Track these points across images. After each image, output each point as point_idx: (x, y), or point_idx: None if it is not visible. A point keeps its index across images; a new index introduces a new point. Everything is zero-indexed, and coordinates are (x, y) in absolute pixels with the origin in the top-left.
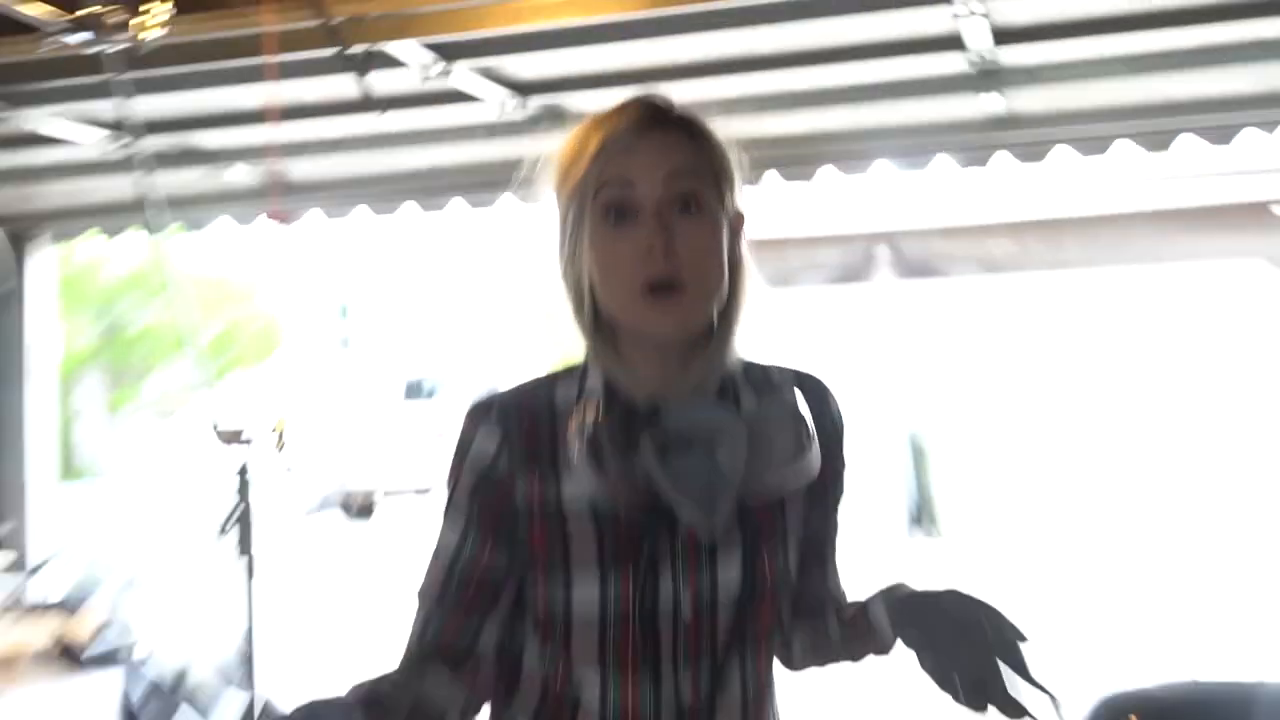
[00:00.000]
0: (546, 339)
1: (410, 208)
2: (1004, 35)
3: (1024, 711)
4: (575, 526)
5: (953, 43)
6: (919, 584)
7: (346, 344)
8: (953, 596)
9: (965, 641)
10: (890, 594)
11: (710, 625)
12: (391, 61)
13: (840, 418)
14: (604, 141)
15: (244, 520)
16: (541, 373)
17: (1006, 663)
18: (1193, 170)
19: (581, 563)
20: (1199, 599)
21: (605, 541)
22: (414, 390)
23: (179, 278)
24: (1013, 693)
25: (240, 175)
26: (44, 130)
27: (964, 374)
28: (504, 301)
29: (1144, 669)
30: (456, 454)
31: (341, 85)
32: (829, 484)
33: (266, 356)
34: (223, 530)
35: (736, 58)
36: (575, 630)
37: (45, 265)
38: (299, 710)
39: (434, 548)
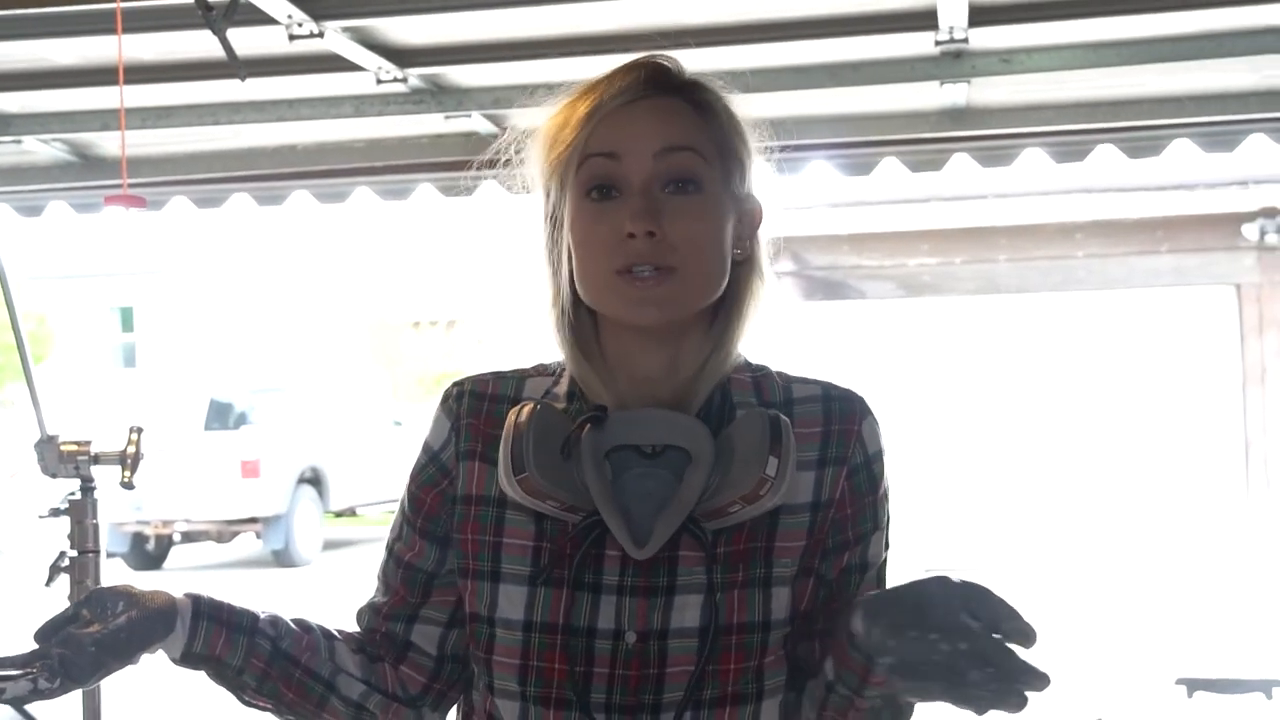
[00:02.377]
0: (379, 350)
1: (242, 199)
2: (980, 12)
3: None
4: (512, 525)
5: (921, 18)
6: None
7: (130, 358)
8: (927, 582)
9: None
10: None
11: (658, 662)
12: (255, 15)
13: (876, 441)
14: (592, 107)
15: (81, 567)
16: (526, 364)
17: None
18: (1169, 180)
19: (512, 563)
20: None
21: (543, 546)
22: (219, 414)
23: None
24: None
25: (32, 152)
26: None
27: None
28: (346, 310)
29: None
30: (425, 438)
31: (193, 43)
32: (858, 528)
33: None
34: (50, 579)
35: (667, 26)
36: (497, 649)
37: None
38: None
39: (391, 536)
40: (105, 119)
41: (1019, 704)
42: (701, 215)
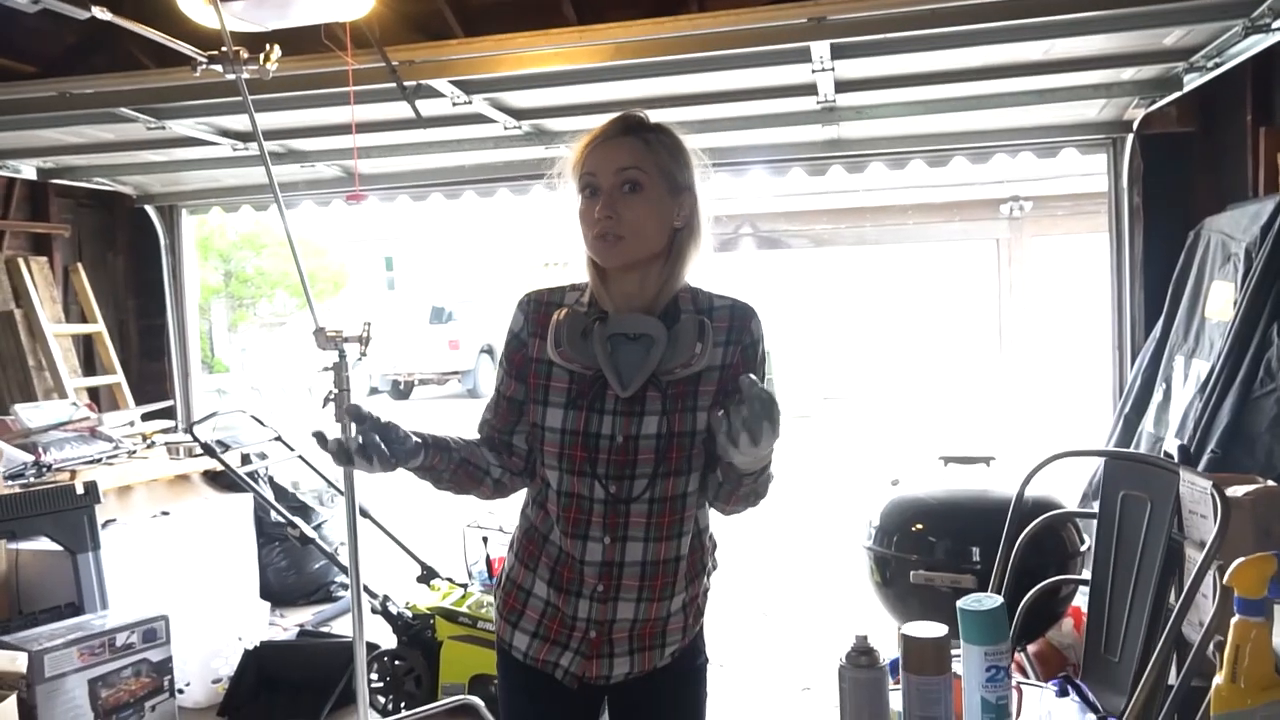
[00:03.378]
0: (537, 281)
1: (436, 198)
2: (842, 85)
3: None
4: (555, 378)
5: (808, 89)
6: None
7: (392, 285)
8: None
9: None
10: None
11: (632, 453)
12: (432, 93)
13: (759, 330)
14: (587, 145)
15: (340, 397)
16: (567, 282)
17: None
18: (958, 180)
19: (554, 399)
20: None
21: (571, 388)
22: (437, 314)
23: (284, 239)
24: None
25: (320, 171)
26: (190, 135)
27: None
28: (507, 259)
29: None
30: (509, 328)
31: (399, 109)
32: (741, 372)
33: (337, 294)
34: (324, 404)
35: (665, 95)
36: (545, 442)
37: (188, 229)
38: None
39: (497, 383)
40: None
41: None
42: (640, 206)
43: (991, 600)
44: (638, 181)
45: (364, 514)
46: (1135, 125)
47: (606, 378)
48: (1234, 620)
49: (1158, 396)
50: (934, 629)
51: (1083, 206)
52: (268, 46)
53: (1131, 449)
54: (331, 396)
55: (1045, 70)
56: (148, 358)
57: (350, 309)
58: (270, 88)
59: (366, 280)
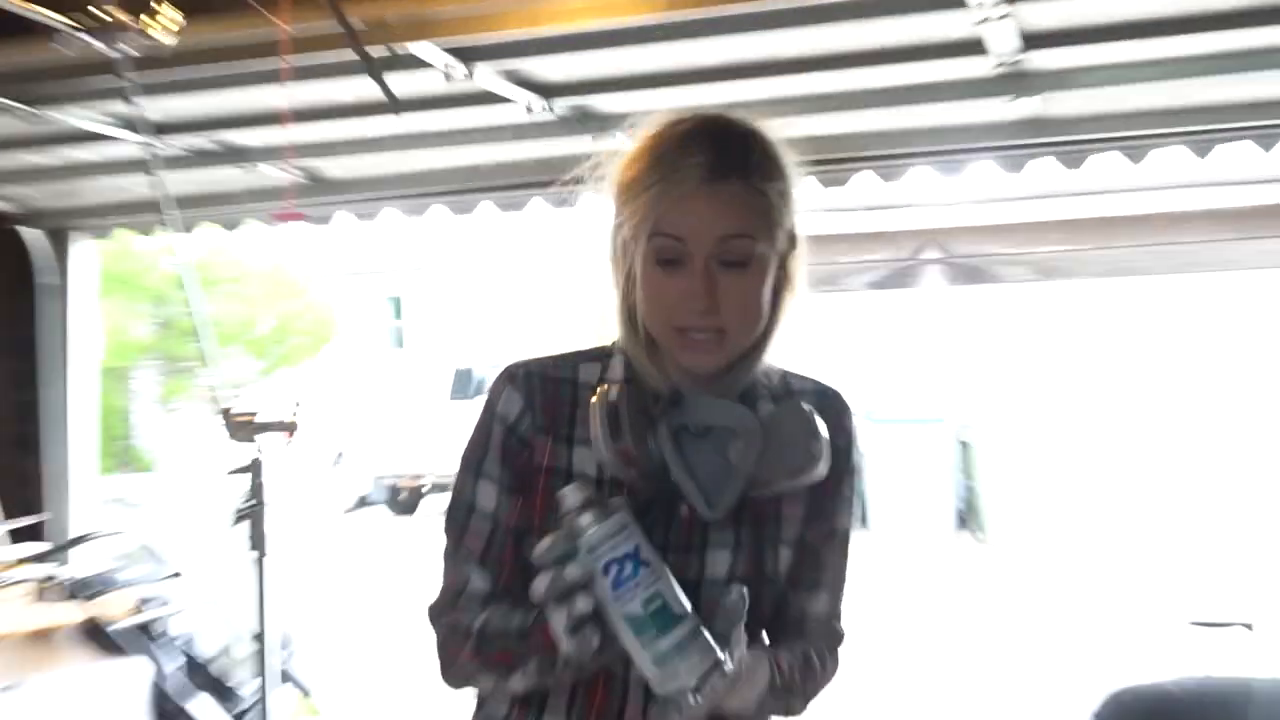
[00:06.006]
0: (590, 332)
1: (439, 210)
2: (1032, 39)
3: None
4: None
5: (975, 47)
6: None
7: (400, 341)
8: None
9: None
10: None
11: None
12: (416, 63)
13: (852, 433)
14: (663, 188)
15: (255, 515)
16: (568, 349)
17: None
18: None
19: None
20: (1236, 601)
21: None
22: (463, 381)
23: (233, 272)
24: None
25: (271, 177)
26: (82, 128)
27: (1014, 376)
28: (550, 297)
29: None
30: (485, 411)
31: (367, 87)
32: (833, 496)
33: (318, 351)
34: (234, 523)
35: (757, 61)
36: None
37: (86, 260)
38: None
39: (467, 504)
40: (329, 149)
41: None
42: (751, 287)
43: None
44: (747, 255)
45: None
46: None
47: (681, 492)
48: None
49: None
50: None
51: None
52: (154, 5)
53: None
54: (245, 512)
55: None
56: (19, 448)
57: (332, 377)
58: (184, 62)
59: (363, 331)
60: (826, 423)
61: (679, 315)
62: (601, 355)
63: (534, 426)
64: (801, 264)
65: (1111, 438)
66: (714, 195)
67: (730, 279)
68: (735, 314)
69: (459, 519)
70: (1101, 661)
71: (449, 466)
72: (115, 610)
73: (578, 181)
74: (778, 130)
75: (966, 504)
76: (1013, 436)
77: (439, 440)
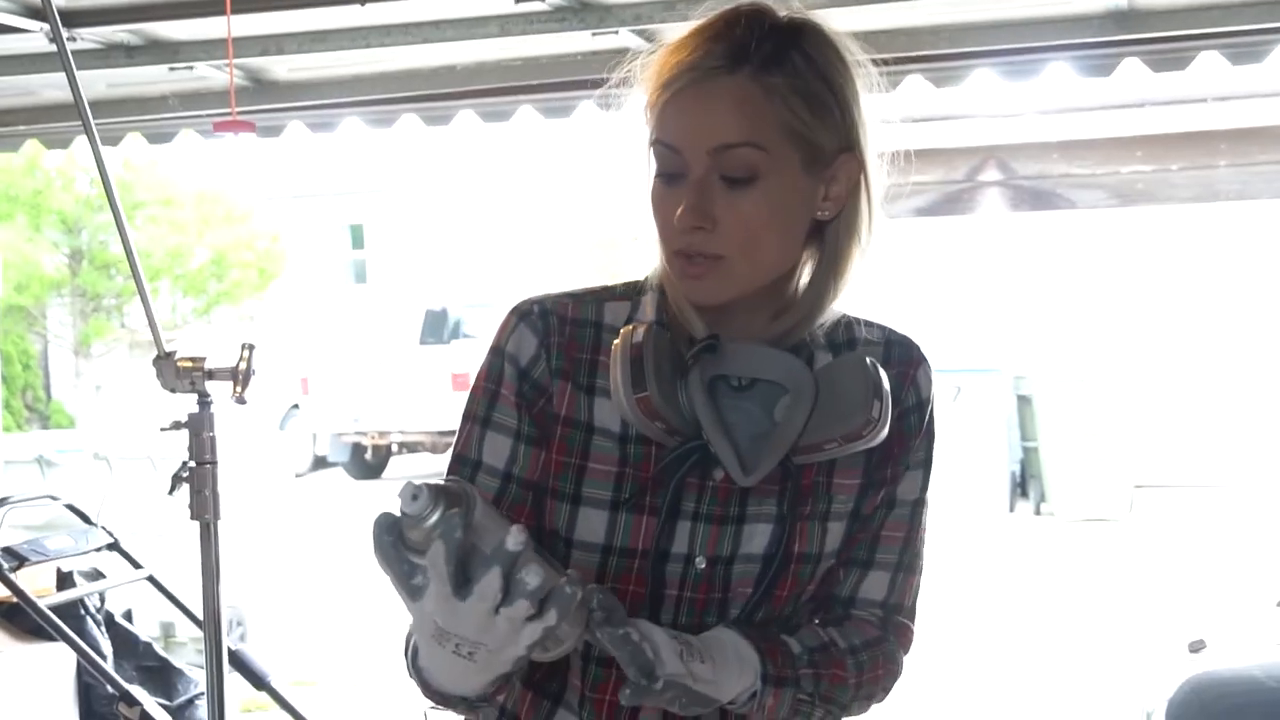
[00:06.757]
0: (602, 268)
1: (409, 121)
2: None
3: None
4: (598, 450)
5: None
6: None
7: (362, 276)
8: None
9: None
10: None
11: (723, 586)
12: None
13: (925, 391)
14: (669, 80)
15: (199, 477)
16: (590, 285)
17: None
18: None
19: (595, 488)
20: None
21: (626, 472)
22: (435, 323)
23: (159, 194)
24: None
25: (207, 78)
26: None
27: (1083, 321)
28: (543, 226)
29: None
30: (493, 353)
31: None
32: (896, 463)
33: (265, 287)
34: (172, 488)
35: None
36: (575, 557)
37: None
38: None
39: (473, 461)
40: (276, 44)
41: None
42: (756, 207)
43: None
44: (751, 169)
45: (264, 686)
46: None
47: (713, 453)
48: None
49: None
50: None
51: None
52: None
53: None
54: (185, 475)
55: None
56: None
57: (281, 316)
58: None
59: (318, 265)
60: (893, 377)
61: (675, 233)
62: (631, 293)
63: (551, 370)
64: (865, 192)
65: (1199, 395)
66: (709, 93)
67: (732, 199)
68: (735, 236)
69: (463, 479)
70: (1176, 647)
71: (420, 421)
72: (37, 586)
73: (599, 89)
74: (825, 21)
75: (1024, 469)
76: (1081, 391)
77: (408, 392)
